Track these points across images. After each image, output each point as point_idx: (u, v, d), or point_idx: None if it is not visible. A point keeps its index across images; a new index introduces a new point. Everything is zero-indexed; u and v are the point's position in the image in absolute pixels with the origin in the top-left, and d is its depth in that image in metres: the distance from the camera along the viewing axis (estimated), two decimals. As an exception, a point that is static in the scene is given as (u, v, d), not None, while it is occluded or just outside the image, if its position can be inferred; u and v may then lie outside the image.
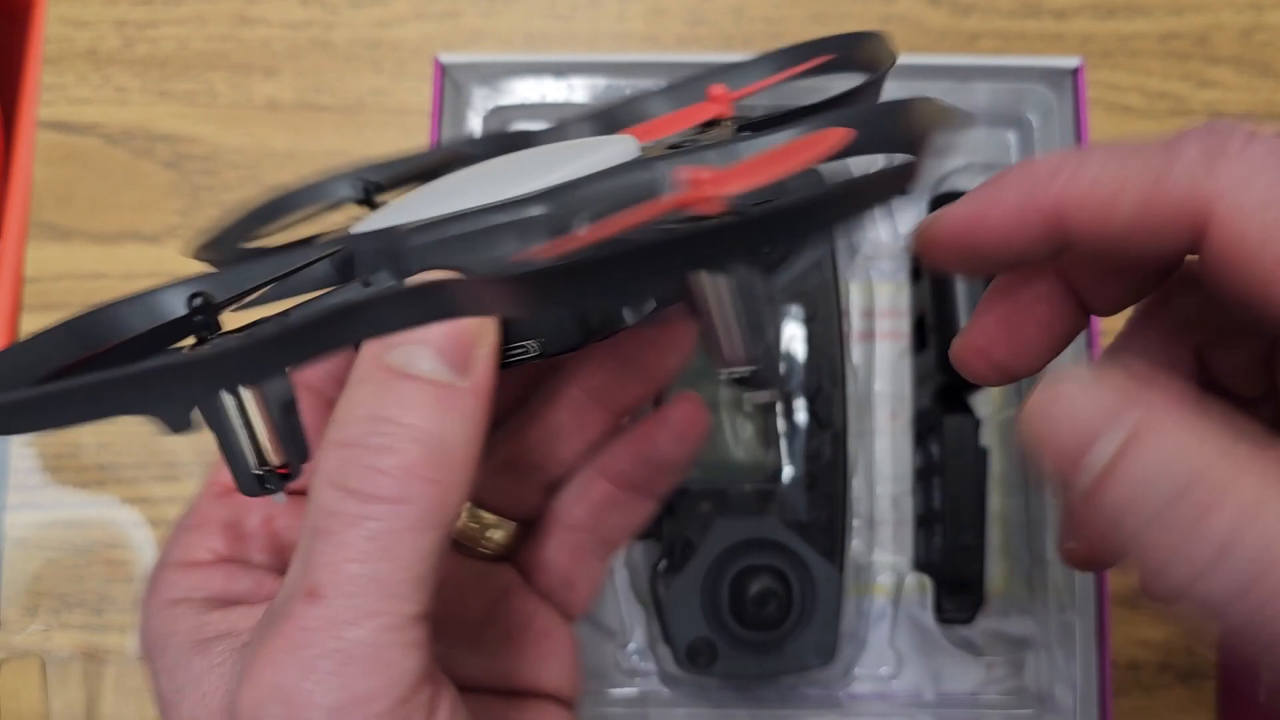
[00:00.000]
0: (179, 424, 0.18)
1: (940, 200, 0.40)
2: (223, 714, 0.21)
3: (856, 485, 0.40)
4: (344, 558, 0.18)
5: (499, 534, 0.28)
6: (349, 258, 0.22)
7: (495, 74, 0.39)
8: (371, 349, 0.20)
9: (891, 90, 0.39)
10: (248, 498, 0.20)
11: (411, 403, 0.19)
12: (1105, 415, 0.18)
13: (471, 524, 0.27)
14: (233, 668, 0.21)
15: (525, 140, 0.29)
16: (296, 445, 0.20)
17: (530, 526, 0.28)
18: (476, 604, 0.27)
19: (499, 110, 0.40)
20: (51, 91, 0.47)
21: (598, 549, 0.29)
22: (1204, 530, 0.17)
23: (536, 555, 0.28)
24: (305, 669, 0.18)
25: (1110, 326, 0.27)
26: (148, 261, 0.46)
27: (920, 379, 0.41)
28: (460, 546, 0.27)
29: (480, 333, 0.20)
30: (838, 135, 0.20)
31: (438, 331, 0.19)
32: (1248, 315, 0.20)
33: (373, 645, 0.18)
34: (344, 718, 0.18)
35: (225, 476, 0.23)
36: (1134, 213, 0.20)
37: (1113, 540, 0.18)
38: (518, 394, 0.29)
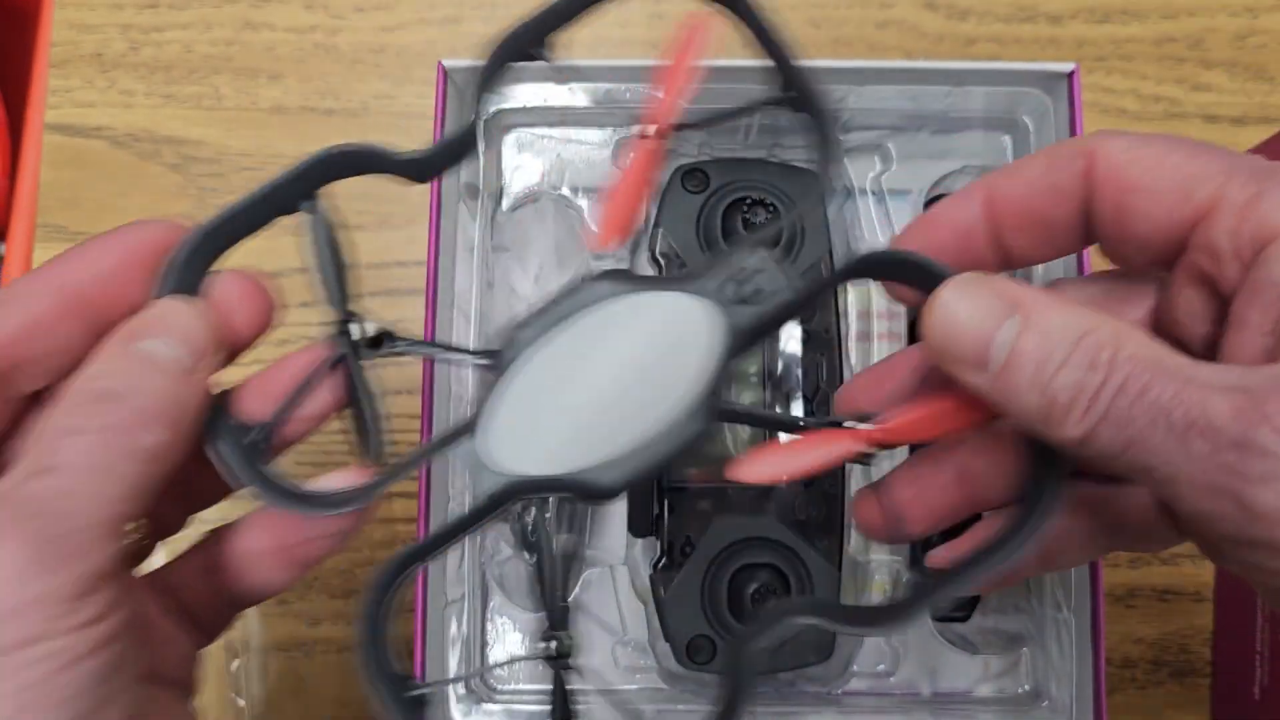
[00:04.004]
0: None
1: (934, 202, 0.41)
2: None
3: (854, 484, 0.40)
4: (83, 448, 0.22)
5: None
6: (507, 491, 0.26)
7: (497, 78, 0.40)
8: (115, 337, 0.24)
9: (887, 94, 0.39)
10: None
11: (155, 375, 0.24)
12: (991, 315, 0.22)
13: None
14: None
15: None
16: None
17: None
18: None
19: (501, 113, 0.41)
20: (58, 94, 0.47)
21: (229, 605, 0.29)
22: (1104, 361, 0.21)
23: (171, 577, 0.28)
24: (16, 526, 0.21)
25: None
26: (154, 263, 0.46)
27: (917, 379, 0.41)
28: None
29: (210, 346, 0.25)
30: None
31: (181, 330, 0.24)
32: (1139, 252, 0.25)
33: (84, 521, 0.22)
34: (24, 578, 0.21)
35: None
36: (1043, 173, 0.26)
37: (1027, 406, 0.22)
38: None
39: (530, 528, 0.41)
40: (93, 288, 0.25)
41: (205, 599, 0.28)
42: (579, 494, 0.26)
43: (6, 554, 0.21)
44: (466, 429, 0.26)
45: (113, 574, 0.22)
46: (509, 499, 0.26)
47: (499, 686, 0.40)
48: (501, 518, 0.27)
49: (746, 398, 0.39)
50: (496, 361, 0.26)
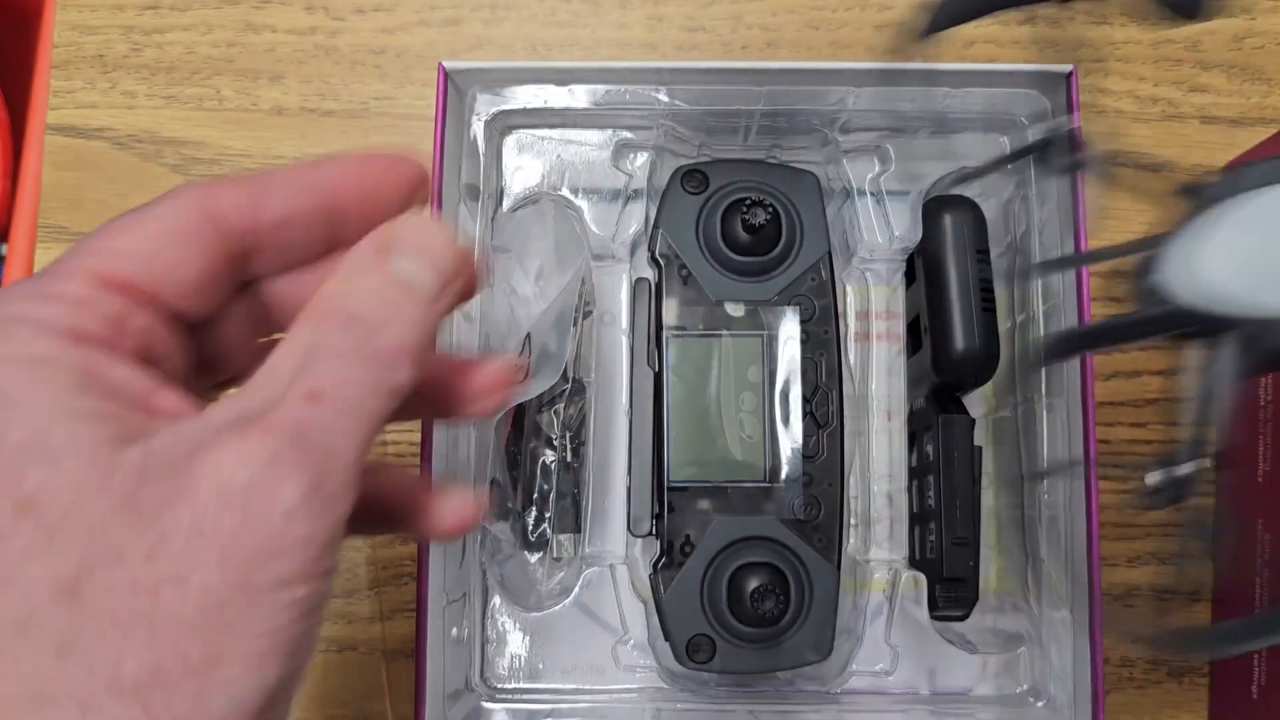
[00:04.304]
0: None
1: (933, 204, 0.41)
2: (132, 477, 0.19)
3: (853, 484, 0.41)
4: (348, 379, 0.21)
5: None
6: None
7: (498, 80, 0.40)
8: (370, 247, 0.23)
9: (886, 96, 0.39)
10: (136, 297, 0.22)
11: (408, 304, 0.22)
12: None
13: None
14: (120, 437, 0.20)
15: None
16: None
17: None
18: None
19: (501, 115, 0.41)
20: (60, 96, 0.48)
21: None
22: None
23: None
24: (295, 457, 0.20)
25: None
26: (155, 264, 0.46)
27: (915, 379, 0.42)
28: None
29: (458, 274, 0.23)
30: None
31: (433, 253, 0.23)
32: None
33: (344, 460, 0.20)
34: (296, 515, 0.19)
35: (121, 268, 0.22)
36: None
37: None
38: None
39: (530, 526, 0.41)
40: (347, 198, 0.24)
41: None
42: (1257, 338, 0.24)
43: (287, 487, 0.19)
44: (1160, 241, 0.26)
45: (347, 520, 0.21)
46: (1183, 323, 0.25)
47: (499, 686, 0.40)
48: (1159, 339, 0.26)
49: (745, 397, 0.39)
50: (1201, 195, 0.26)
